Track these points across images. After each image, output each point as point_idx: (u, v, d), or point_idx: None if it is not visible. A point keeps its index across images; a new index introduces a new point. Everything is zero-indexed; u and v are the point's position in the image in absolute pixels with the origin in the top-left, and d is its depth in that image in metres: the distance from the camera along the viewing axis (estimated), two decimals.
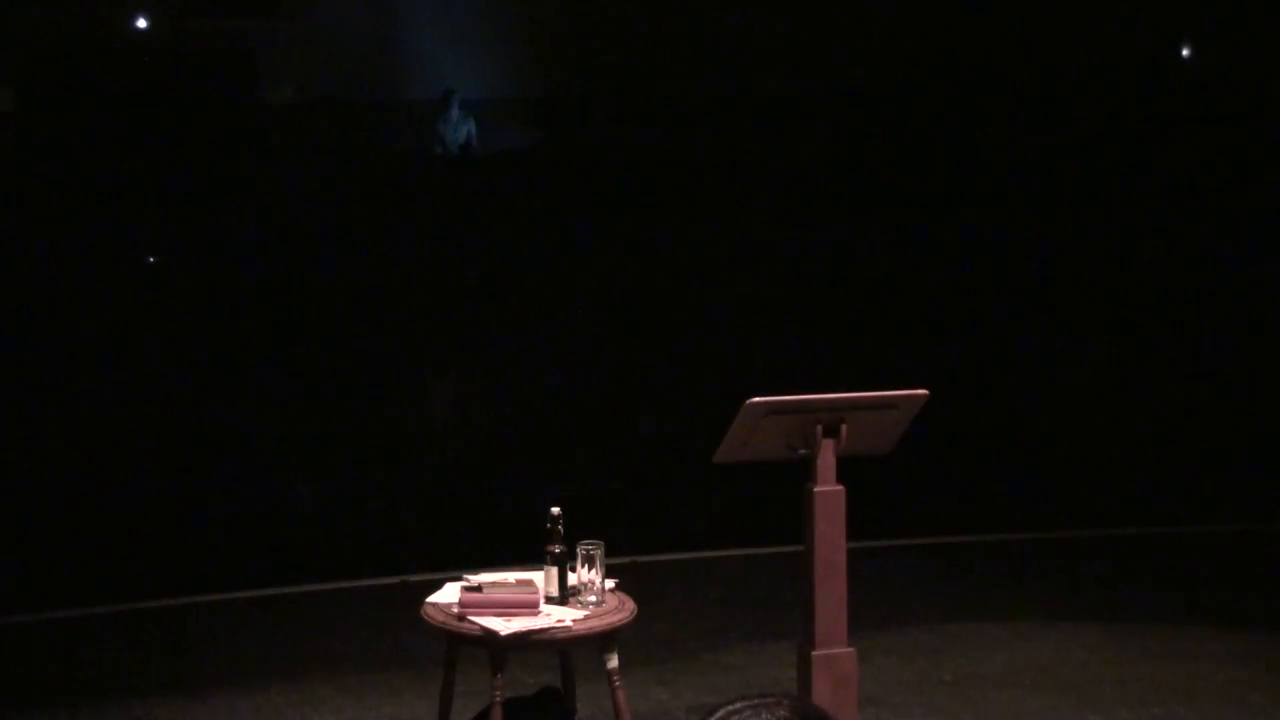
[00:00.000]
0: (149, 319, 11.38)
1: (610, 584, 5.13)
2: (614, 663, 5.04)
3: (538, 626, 4.81)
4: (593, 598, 5.02)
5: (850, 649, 4.83)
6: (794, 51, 14.47)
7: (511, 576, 5.12)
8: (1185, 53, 15.02)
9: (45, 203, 12.16)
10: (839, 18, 14.43)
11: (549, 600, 4.96)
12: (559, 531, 4.98)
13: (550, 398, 10.50)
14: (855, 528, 4.88)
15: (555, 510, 5.00)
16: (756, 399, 4.88)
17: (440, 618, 4.96)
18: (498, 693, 4.85)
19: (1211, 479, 9.53)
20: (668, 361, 10.57)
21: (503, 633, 4.77)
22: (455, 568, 6.47)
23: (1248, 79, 13.49)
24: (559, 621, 4.84)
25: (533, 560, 5.12)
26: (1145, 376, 11.04)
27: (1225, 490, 9.34)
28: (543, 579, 5.00)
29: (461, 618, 4.89)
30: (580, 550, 5.07)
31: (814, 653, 4.78)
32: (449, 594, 5.06)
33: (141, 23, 14.75)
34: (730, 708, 2.09)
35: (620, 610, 5.02)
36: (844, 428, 4.78)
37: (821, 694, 4.77)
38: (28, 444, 9.62)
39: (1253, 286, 11.77)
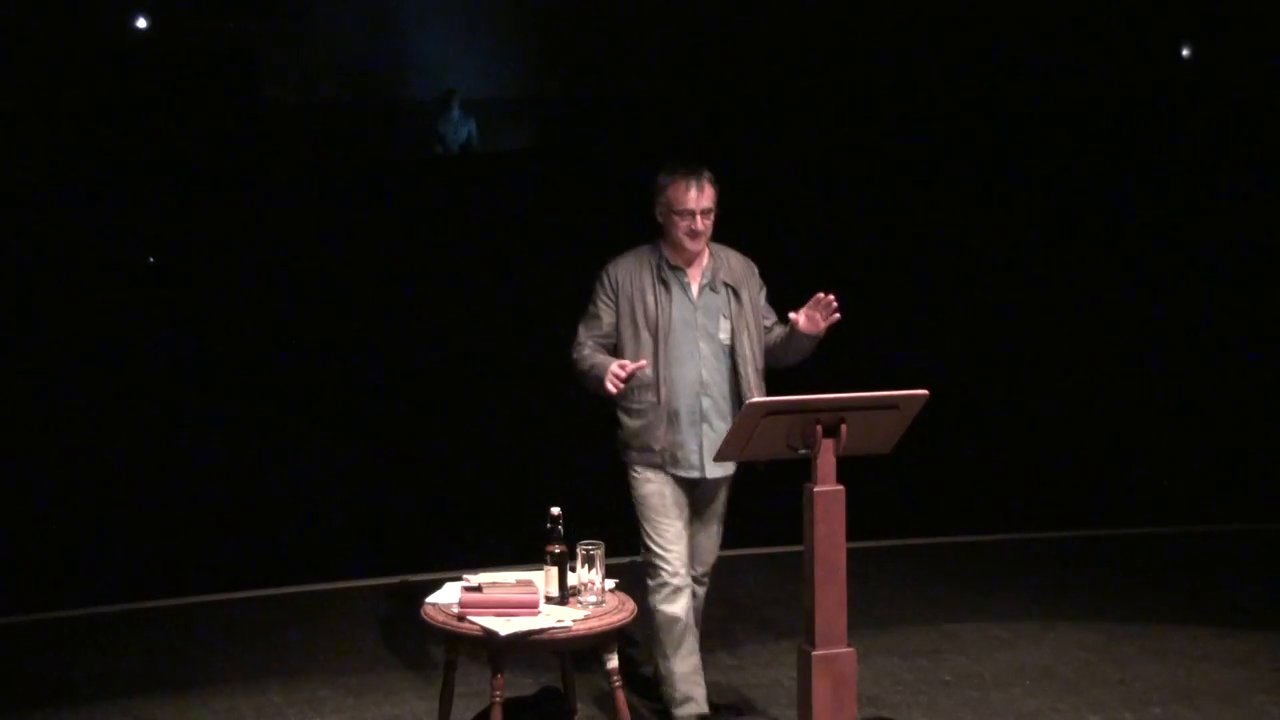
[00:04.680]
0: (149, 318, 11.38)
1: (610, 584, 5.14)
2: (614, 663, 5.05)
3: (538, 626, 4.81)
4: (593, 598, 5.03)
5: (850, 649, 4.84)
6: (792, 50, 14.48)
7: (511, 576, 5.13)
8: (1185, 53, 15.02)
9: (45, 202, 12.16)
10: (827, 12, 14.45)
11: (549, 600, 4.97)
12: (559, 531, 4.99)
13: (551, 397, 10.50)
14: (855, 528, 4.88)
15: (555, 510, 5.01)
16: (756, 399, 4.88)
17: (440, 618, 4.96)
18: (498, 693, 4.86)
19: (1211, 479, 9.53)
20: None
21: (503, 633, 4.77)
22: (455, 568, 6.49)
23: (1248, 79, 13.49)
24: (559, 621, 4.85)
25: (533, 560, 5.12)
26: (1145, 376, 11.04)
27: (1225, 490, 9.34)
28: (543, 579, 5.01)
29: (461, 618, 4.89)
30: (580, 550, 5.08)
31: (814, 653, 4.78)
32: (449, 594, 5.07)
33: (141, 23, 14.76)
34: None
35: (620, 610, 5.02)
36: (844, 428, 4.78)
37: (821, 694, 4.78)
38: (28, 444, 9.62)
39: (1252, 285, 11.76)
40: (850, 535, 4.83)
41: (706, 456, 5.41)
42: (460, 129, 14.81)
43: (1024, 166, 13.15)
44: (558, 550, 4.99)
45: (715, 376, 5.43)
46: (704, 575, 5.68)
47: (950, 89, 14.00)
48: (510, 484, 8.98)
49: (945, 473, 9.20)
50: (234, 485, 9.27)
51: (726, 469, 5.49)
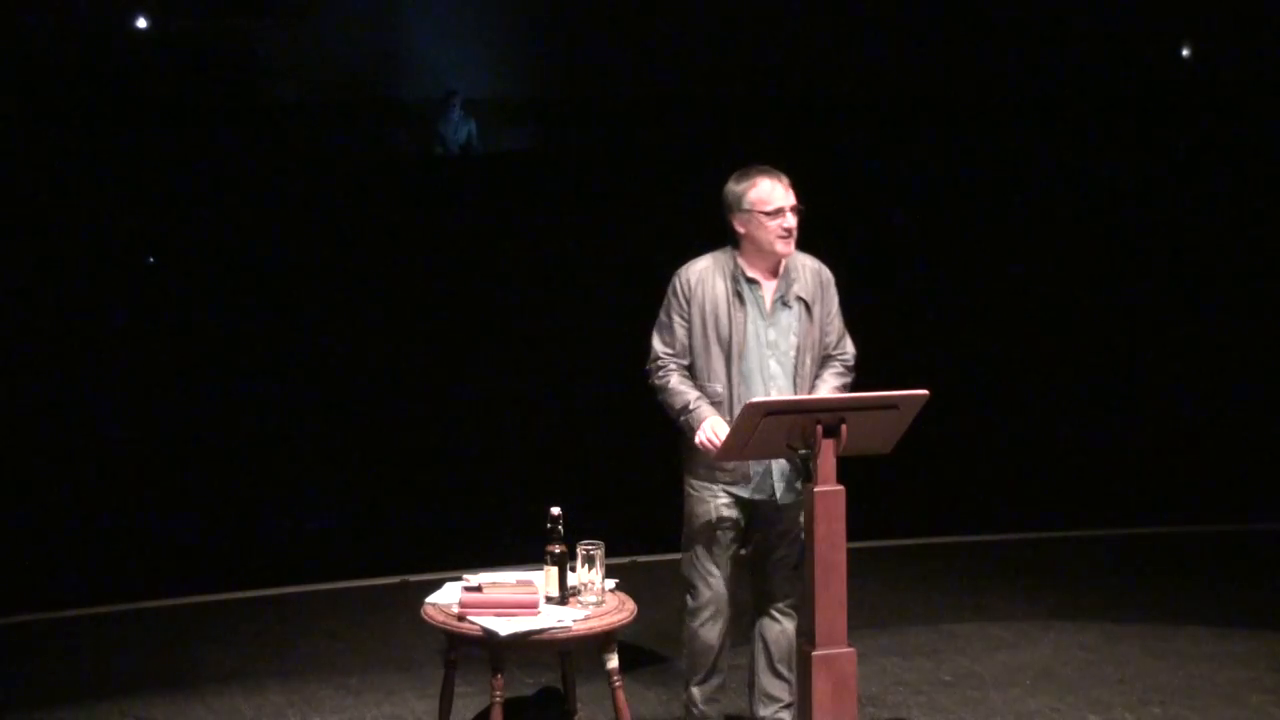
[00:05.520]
0: (148, 319, 11.38)
1: (610, 584, 5.14)
2: (614, 663, 5.05)
3: (538, 626, 4.82)
4: (593, 598, 5.03)
5: (850, 649, 4.83)
6: (793, 48, 14.48)
7: (511, 576, 5.13)
8: (1185, 53, 15.02)
9: (44, 203, 12.16)
10: (829, 11, 14.46)
11: (549, 600, 4.97)
12: (559, 531, 4.98)
13: (551, 397, 10.51)
14: (855, 528, 4.89)
15: (555, 510, 5.00)
16: (757, 399, 4.88)
17: (440, 618, 4.96)
18: (498, 693, 4.86)
19: (1211, 479, 9.53)
20: None
21: (503, 633, 4.77)
22: (455, 568, 6.50)
23: (1248, 79, 13.50)
24: (559, 621, 4.85)
25: (533, 560, 5.13)
26: (1145, 376, 11.04)
27: (1225, 490, 9.33)
28: (543, 579, 5.01)
29: (461, 618, 4.89)
30: (580, 550, 5.08)
31: (814, 653, 4.78)
32: (449, 594, 5.07)
33: (141, 23, 14.76)
34: None
35: (620, 610, 5.03)
36: (844, 428, 4.78)
37: (821, 694, 4.78)
38: (28, 444, 9.62)
39: (1253, 286, 11.77)
40: (850, 535, 4.83)
41: (777, 479, 5.15)
42: (460, 129, 14.81)
43: (1024, 166, 13.15)
44: (558, 550, 4.99)
45: (786, 396, 5.09)
46: (788, 608, 5.30)
47: (949, 88, 13.99)
48: (510, 484, 8.98)
49: (945, 473, 9.20)
50: (234, 485, 9.28)
51: (790, 491, 5.16)
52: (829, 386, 5.20)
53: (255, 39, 15.11)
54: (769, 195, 5.11)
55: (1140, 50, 14.15)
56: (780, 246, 5.12)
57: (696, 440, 5.03)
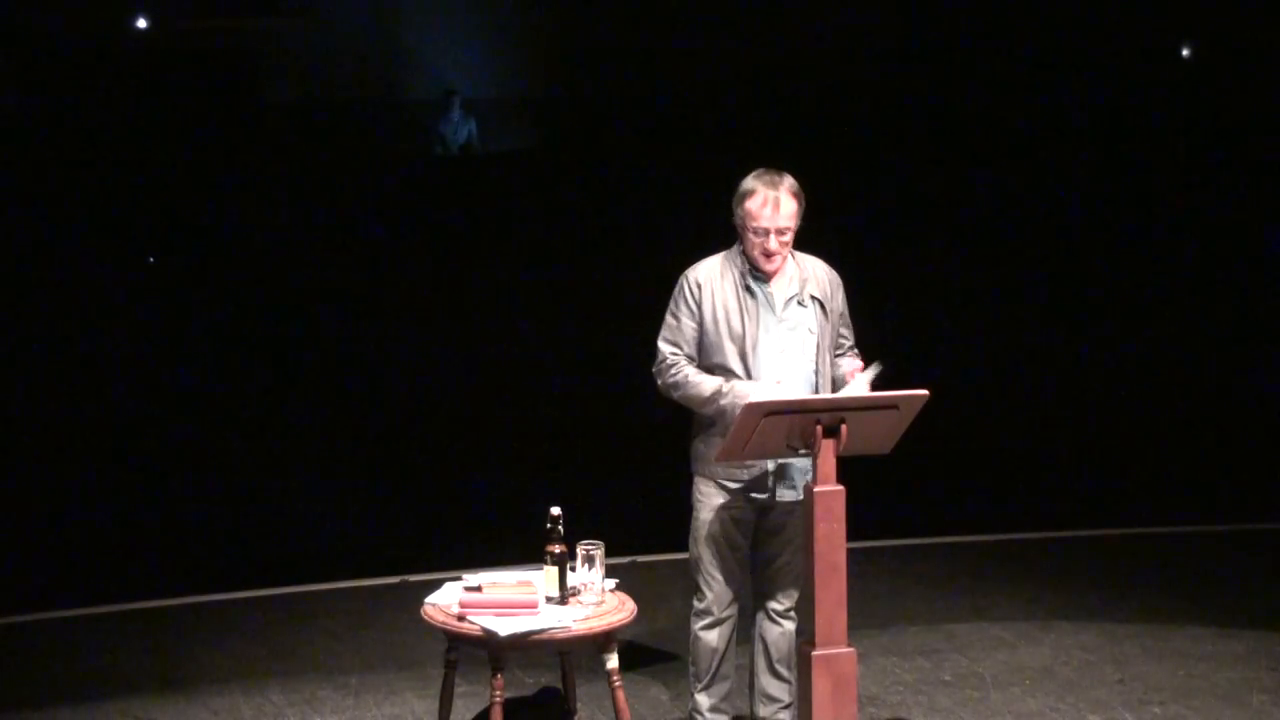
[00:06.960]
0: (148, 318, 11.39)
1: (610, 584, 5.14)
2: (614, 663, 5.05)
3: (537, 627, 4.82)
4: (593, 598, 5.03)
5: (850, 649, 4.83)
6: (792, 47, 14.48)
7: (512, 576, 5.13)
8: (1185, 53, 15.03)
9: (45, 202, 12.16)
10: (830, 10, 14.48)
11: (549, 600, 4.97)
12: (559, 531, 4.98)
13: (551, 397, 10.51)
14: (855, 528, 4.88)
15: (555, 510, 5.00)
16: (757, 399, 4.88)
17: (440, 618, 4.96)
18: (498, 693, 4.86)
19: (1211, 479, 9.53)
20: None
21: (502, 633, 4.77)
22: (455, 568, 6.50)
23: (1248, 79, 13.50)
24: (559, 621, 4.85)
25: (533, 560, 5.13)
26: (1144, 376, 11.05)
27: (1225, 490, 9.33)
28: (543, 579, 5.01)
29: (461, 618, 4.90)
30: (580, 550, 5.08)
31: (814, 653, 4.78)
32: (449, 594, 5.07)
33: (141, 23, 14.77)
34: None
35: (620, 610, 5.03)
36: (844, 428, 4.78)
37: (821, 694, 4.78)
38: (28, 443, 9.63)
39: (1251, 284, 11.77)
40: (850, 535, 4.83)
41: (781, 479, 5.11)
42: (460, 129, 14.83)
43: (1023, 166, 13.15)
44: (558, 550, 4.98)
45: (798, 395, 5.02)
46: (789, 610, 5.26)
47: (949, 88, 14.00)
48: (510, 484, 8.98)
49: (945, 473, 9.20)
50: (234, 485, 9.28)
51: (799, 493, 5.08)
52: (850, 367, 5.18)
53: (255, 39, 15.13)
54: (757, 213, 5.06)
55: (1140, 50, 14.16)
56: (762, 263, 5.11)
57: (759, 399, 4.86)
